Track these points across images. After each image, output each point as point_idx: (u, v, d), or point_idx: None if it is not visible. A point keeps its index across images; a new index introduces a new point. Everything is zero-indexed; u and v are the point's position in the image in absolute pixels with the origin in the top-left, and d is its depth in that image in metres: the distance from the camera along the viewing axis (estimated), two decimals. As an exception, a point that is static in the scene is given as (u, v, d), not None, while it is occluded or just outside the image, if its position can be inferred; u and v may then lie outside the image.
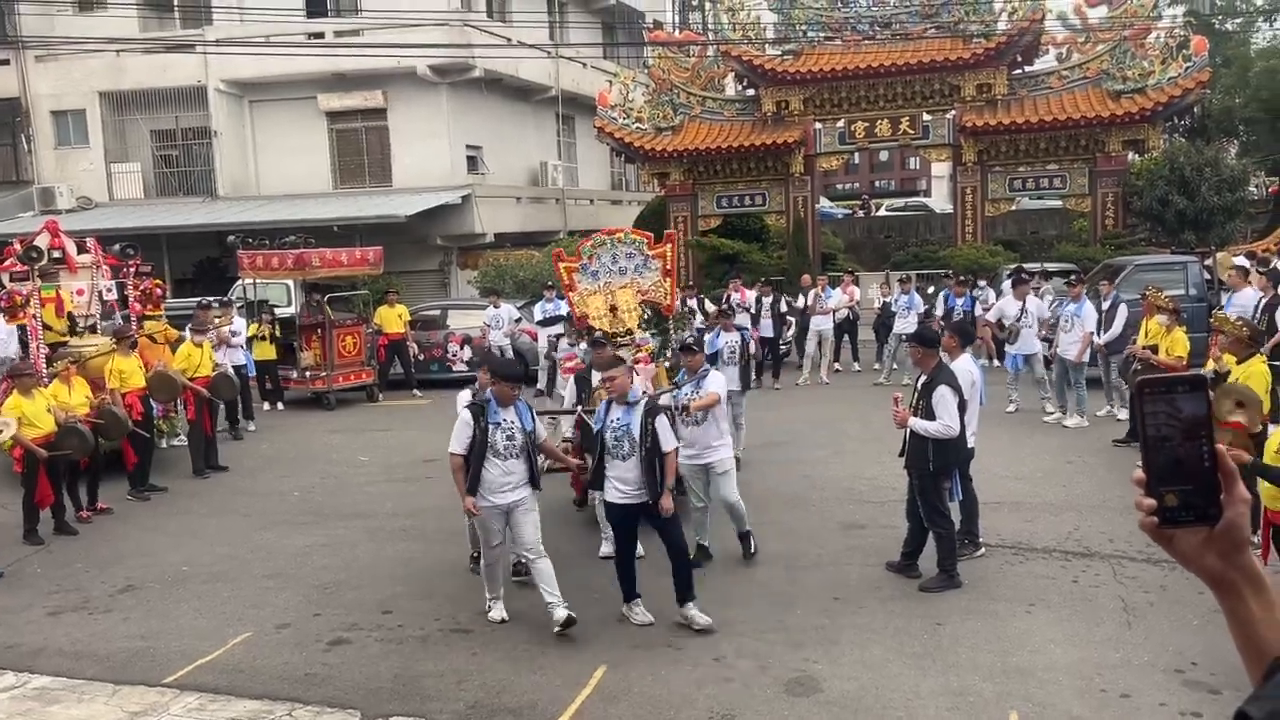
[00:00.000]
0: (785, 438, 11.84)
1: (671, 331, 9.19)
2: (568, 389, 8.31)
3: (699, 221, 23.92)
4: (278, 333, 16.04)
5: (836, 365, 17.43)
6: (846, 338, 17.65)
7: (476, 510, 6.30)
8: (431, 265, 26.14)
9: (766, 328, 16.38)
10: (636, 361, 8.01)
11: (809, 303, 16.79)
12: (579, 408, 7.86)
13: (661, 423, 6.32)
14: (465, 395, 7.20)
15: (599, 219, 29.43)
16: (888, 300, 17.22)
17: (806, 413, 13.91)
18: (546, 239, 26.18)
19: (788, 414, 13.69)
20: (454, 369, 17.61)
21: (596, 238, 8.98)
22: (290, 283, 18.49)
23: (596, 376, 7.98)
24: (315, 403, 16.42)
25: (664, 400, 6.96)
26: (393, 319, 17.27)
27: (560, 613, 6.38)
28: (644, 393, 7.02)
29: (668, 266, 8.97)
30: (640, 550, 6.75)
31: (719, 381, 7.49)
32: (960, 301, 15.61)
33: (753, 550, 7.60)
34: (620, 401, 6.40)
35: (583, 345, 8.92)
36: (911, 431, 7.07)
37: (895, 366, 16.04)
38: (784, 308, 16.71)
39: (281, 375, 16.42)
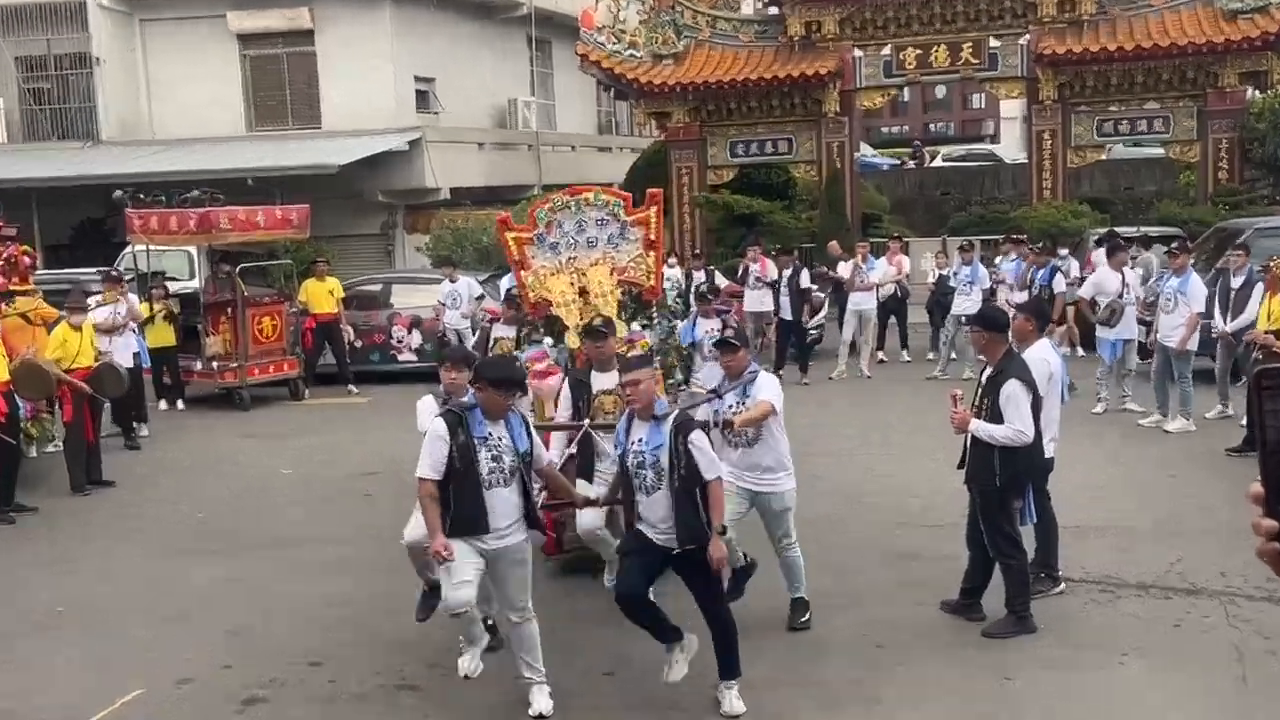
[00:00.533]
0: (814, 446, 11.70)
1: (655, 323, 8.88)
2: (560, 399, 7.96)
3: (709, 174, 23.82)
4: (177, 313, 15.98)
5: (880, 354, 17.40)
6: (893, 320, 17.56)
7: (448, 554, 5.83)
8: (371, 228, 26.07)
9: (787, 308, 16.43)
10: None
11: (846, 277, 16.71)
12: (586, 421, 7.60)
13: (698, 441, 6.04)
14: (430, 402, 6.93)
15: (582, 170, 29.39)
16: (945, 273, 17.16)
17: (842, 414, 13.90)
18: (517, 196, 26.12)
19: (818, 416, 13.60)
20: (399, 359, 17.70)
21: (556, 199, 8.72)
22: (193, 250, 18.37)
23: (601, 379, 7.73)
24: (225, 400, 16.41)
25: (700, 414, 6.68)
26: (322, 296, 17.19)
27: (540, 700, 6.22)
28: (671, 402, 6.81)
29: (651, 236, 8.73)
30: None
31: (773, 387, 7.15)
32: (1039, 274, 15.61)
33: (805, 621, 7.38)
34: (644, 416, 6.15)
35: (548, 341, 8.70)
36: (973, 437, 7.10)
37: (954, 356, 16.12)
38: (806, 282, 16.58)
39: (182, 366, 16.39)
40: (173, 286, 16.82)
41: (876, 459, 11.72)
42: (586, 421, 7.52)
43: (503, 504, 6.03)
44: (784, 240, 19.96)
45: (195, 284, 18.13)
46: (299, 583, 8.74)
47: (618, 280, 8.63)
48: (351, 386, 17.20)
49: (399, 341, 17.82)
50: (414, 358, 17.47)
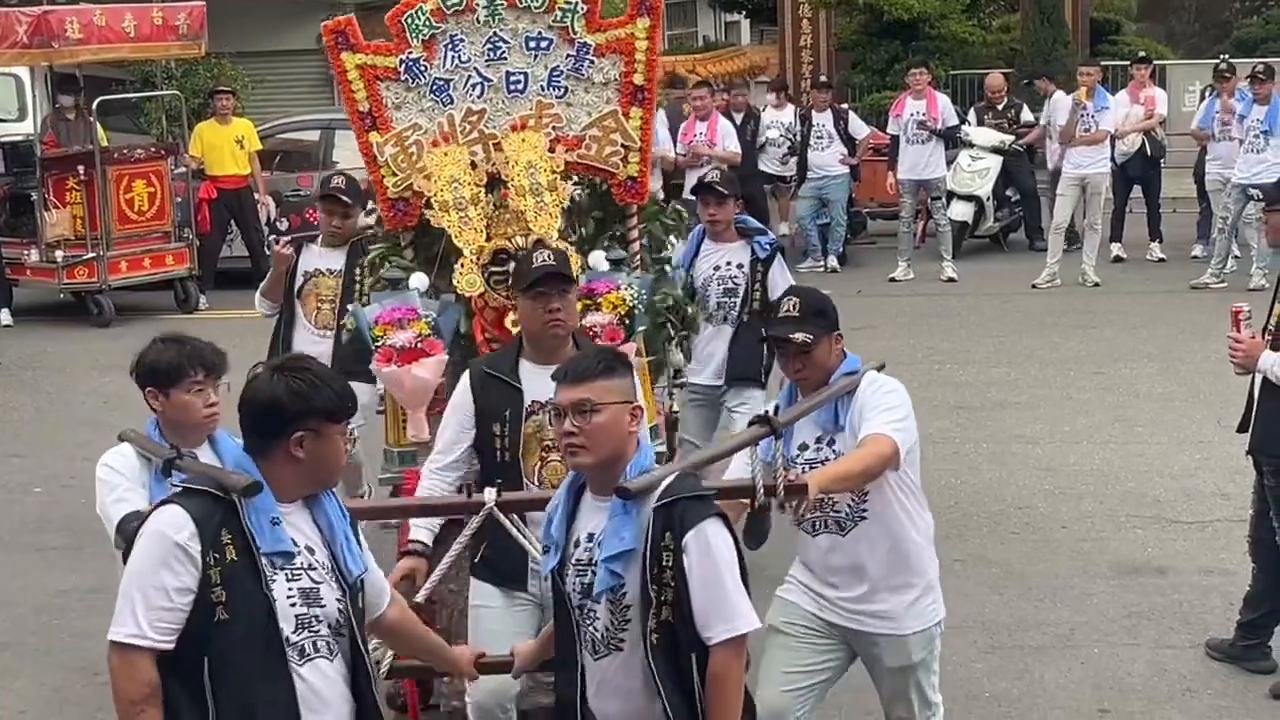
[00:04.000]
0: (999, 395, 11.08)
1: (636, 246, 6.92)
2: (446, 417, 5.85)
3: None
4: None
5: (1116, 248, 15.67)
6: (1137, 191, 15.86)
7: None
8: (305, 40, 23.30)
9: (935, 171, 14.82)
10: (589, 334, 6.14)
11: (1058, 122, 14.66)
12: (494, 492, 5.21)
13: (712, 546, 4.13)
14: (125, 459, 5.00)
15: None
16: (1221, 115, 15.00)
17: (1048, 345, 12.62)
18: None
19: (1007, 347, 12.55)
20: (346, 250, 16.10)
21: None
22: (23, 74, 16.89)
23: (540, 380, 5.58)
24: (76, 310, 15.48)
25: (736, 470, 4.98)
26: (226, 148, 15.67)
27: None
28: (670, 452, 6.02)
29: (637, 79, 6.82)
30: None
31: (892, 404, 5.08)
32: None
33: None
34: (601, 486, 4.33)
35: (417, 283, 6.43)
36: (1265, 381, 6.58)
37: (1236, 253, 14.31)
38: (970, 130, 15.25)
39: (7, 258, 15.18)
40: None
41: (1100, 417, 10.65)
42: (491, 495, 5.14)
43: (323, 696, 4.00)
44: (964, 61, 18.57)
45: (27, 128, 16.67)
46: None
47: (569, 161, 6.69)
48: (269, 292, 15.53)
49: (347, 223, 16.37)
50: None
